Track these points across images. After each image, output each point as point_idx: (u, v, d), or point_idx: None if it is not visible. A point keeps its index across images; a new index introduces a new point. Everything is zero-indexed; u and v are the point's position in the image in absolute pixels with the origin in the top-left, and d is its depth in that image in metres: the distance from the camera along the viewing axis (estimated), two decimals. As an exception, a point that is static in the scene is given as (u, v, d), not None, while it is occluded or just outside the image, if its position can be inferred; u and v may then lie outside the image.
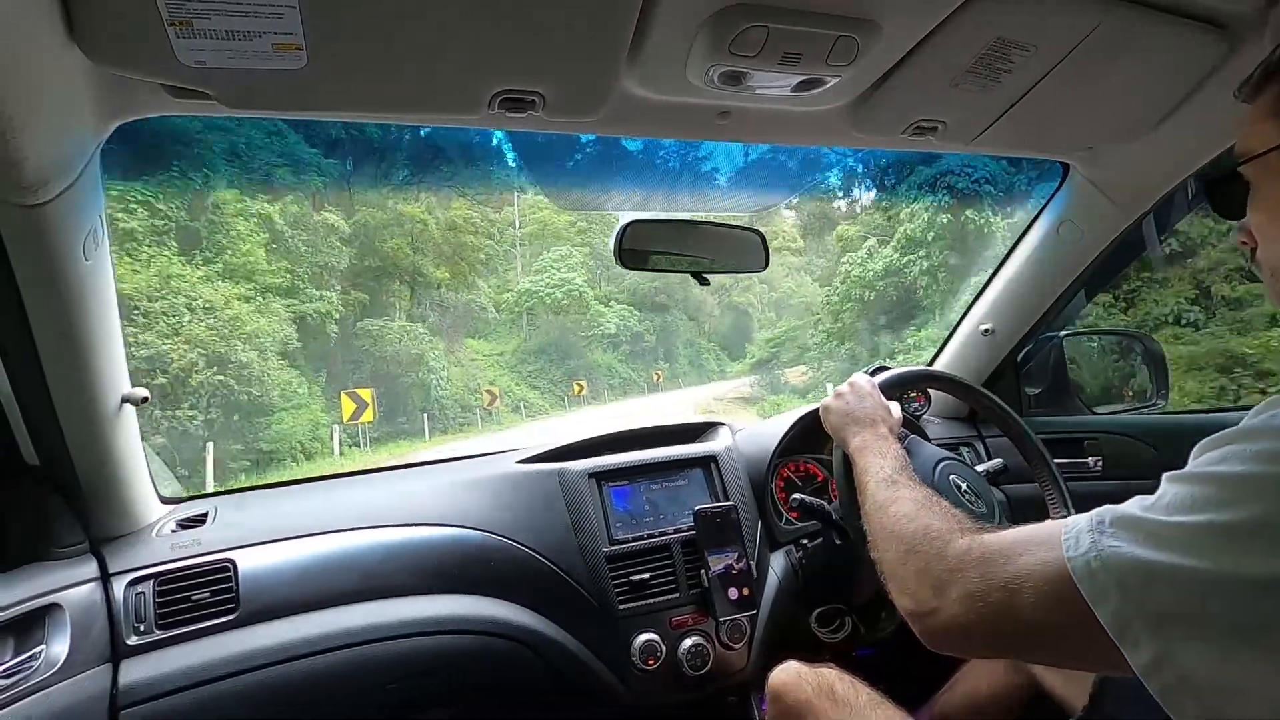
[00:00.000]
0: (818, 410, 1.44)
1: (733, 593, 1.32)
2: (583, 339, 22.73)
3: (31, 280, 0.84)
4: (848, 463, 0.96)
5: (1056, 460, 1.22)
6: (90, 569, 1.06)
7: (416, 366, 16.38)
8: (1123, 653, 0.50)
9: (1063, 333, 1.80)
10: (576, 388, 21.02)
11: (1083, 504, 1.14)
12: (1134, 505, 0.55)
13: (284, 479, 1.56)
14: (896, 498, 0.80)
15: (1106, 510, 0.56)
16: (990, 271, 1.72)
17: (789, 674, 1.05)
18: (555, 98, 0.91)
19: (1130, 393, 1.88)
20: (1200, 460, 0.54)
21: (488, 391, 18.23)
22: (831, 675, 1.01)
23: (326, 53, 0.75)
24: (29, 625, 0.95)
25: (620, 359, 23.47)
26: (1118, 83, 1.05)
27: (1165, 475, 0.55)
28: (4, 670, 0.89)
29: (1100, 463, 1.63)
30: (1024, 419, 1.25)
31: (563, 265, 23.44)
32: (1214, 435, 0.54)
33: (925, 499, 0.77)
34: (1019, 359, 1.79)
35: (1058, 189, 1.51)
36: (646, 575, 1.32)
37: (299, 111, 0.92)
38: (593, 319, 23.16)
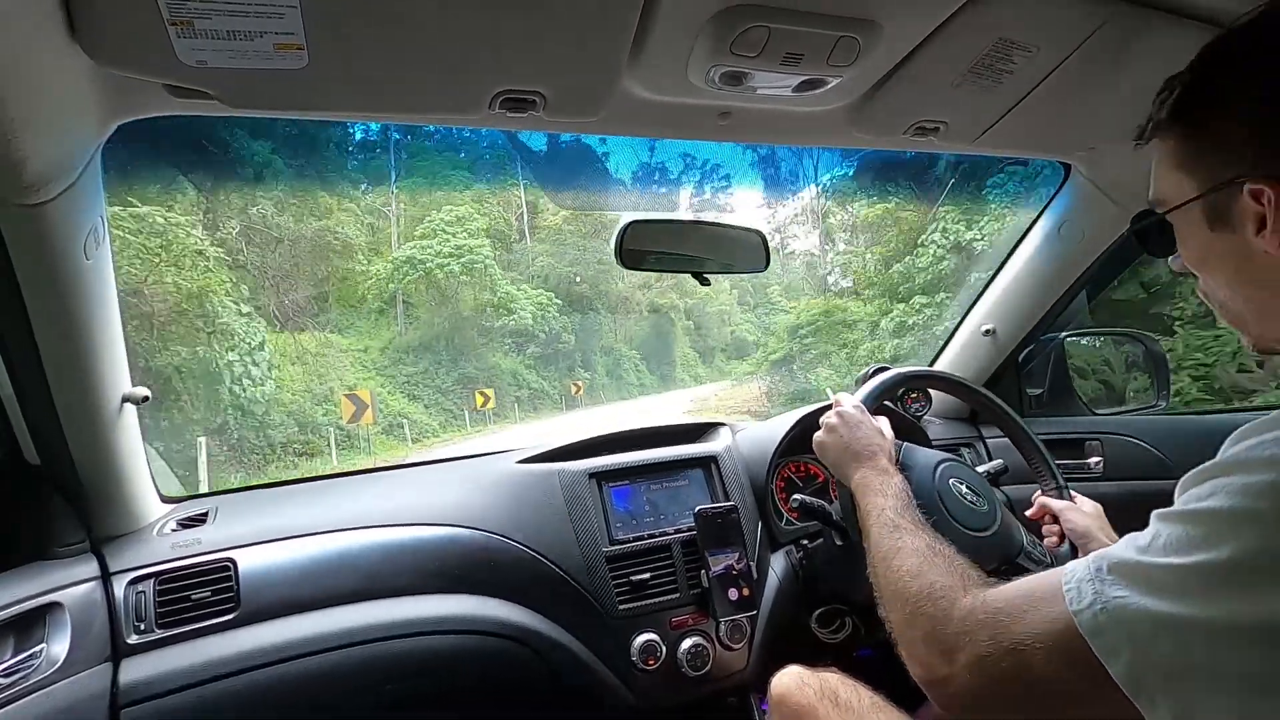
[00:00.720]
0: (817, 411, 1.44)
1: (733, 593, 1.32)
2: (482, 334, 16.65)
3: (32, 280, 0.84)
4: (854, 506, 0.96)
5: (1057, 461, 1.22)
6: (91, 568, 1.06)
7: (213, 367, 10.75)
8: (1139, 710, 0.49)
9: (1064, 333, 1.80)
10: (480, 399, 15.18)
11: (1084, 506, 1.14)
12: (1128, 549, 0.54)
13: (286, 478, 1.56)
14: (899, 548, 0.78)
15: (1104, 556, 0.55)
16: (992, 272, 1.72)
17: (791, 678, 1.05)
18: (556, 98, 0.91)
19: (1131, 393, 1.89)
20: (1187, 496, 0.53)
21: (347, 398, 12.64)
22: (834, 679, 1.01)
23: (327, 53, 0.75)
24: (30, 624, 0.95)
25: (528, 364, 17.08)
26: (1120, 83, 1.05)
27: (1154, 513, 0.54)
28: (4, 669, 0.89)
29: (1101, 463, 1.63)
30: (1025, 420, 1.25)
31: (460, 229, 17.02)
32: (1197, 470, 0.53)
33: (928, 549, 0.76)
34: (1020, 359, 1.79)
35: (1059, 189, 1.51)
36: (646, 575, 1.32)
37: (300, 111, 0.92)
38: (501, 305, 16.81)
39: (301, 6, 0.68)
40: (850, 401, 1.09)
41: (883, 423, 1.09)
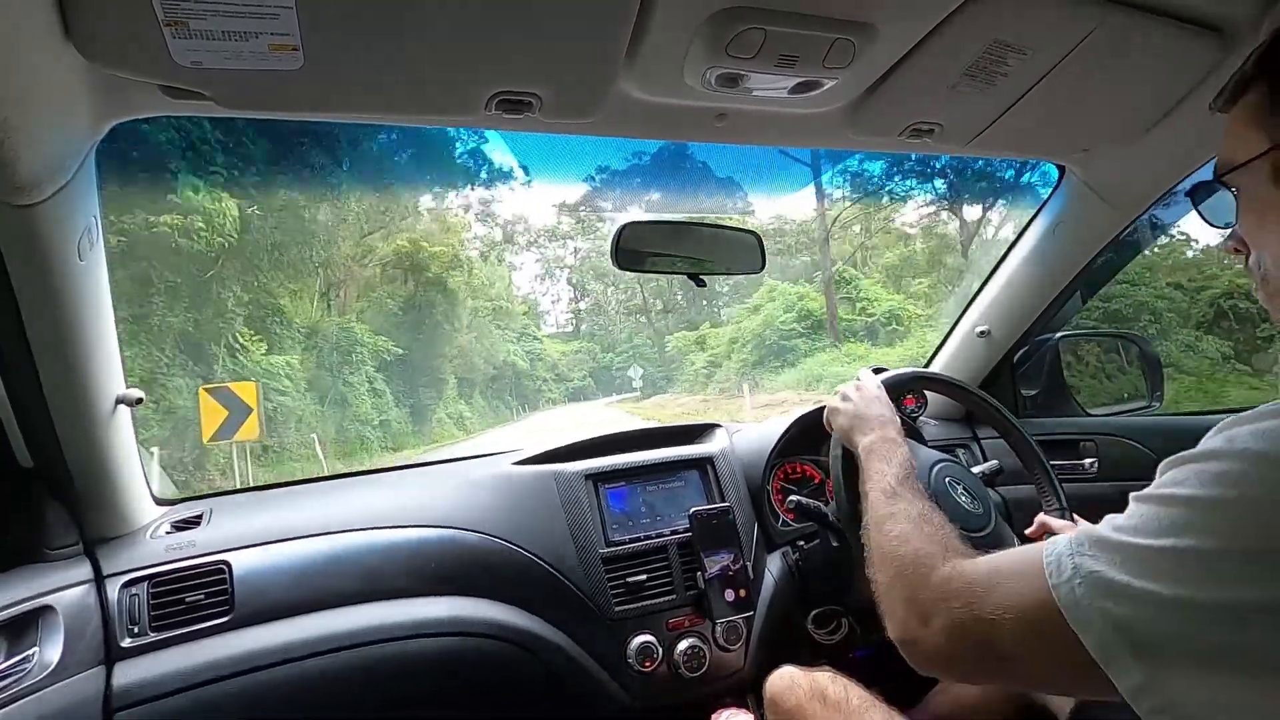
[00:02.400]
0: (815, 412, 1.44)
1: (729, 594, 1.32)
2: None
3: (26, 281, 0.83)
4: (847, 463, 0.97)
5: (1052, 462, 1.22)
6: (84, 571, 1.05)
7: None
8: (1109, 678, 0.50)
9: (1058, 334, 1.81)
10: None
11: (1078, 506, 1.15)
12: (1108, 527, 0.55)
13: (279, 480, 1.56)
14: (893, 513, 0.81)
15: (1085, 533, 0.56)
16: (987, 273, 1.72)
17: (783, 679, 1.06)
18: (552, 99, 0.91)
19: (1124, 394, 1.89)
20: (1165, 480, 0.54)
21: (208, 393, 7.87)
22: (824, 678, 1.02)
23: (323, 54, 0.75)
24: (22, 627, 0.94)
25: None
26: (1114, 86, 1.05)
27: (1132, 495, 0.56)
28: (-3, 673, 0.88)
29: (1096, 464, 1.64)
30: (1020, 420, 1.26)
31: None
32: (1177, 454, 0.55)
33: (920, 516, 0.78)
34: (1015, 360, 1.79)
35: (1054, 191, 1.51)
36: (643, 577, 1.32)
37: (295, 112, 0.92)
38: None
39: (297, 8, 0.67)
40: (871, 379, 1.12)
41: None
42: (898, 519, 0.79)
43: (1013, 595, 0.58)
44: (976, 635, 0.60)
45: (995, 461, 1.39)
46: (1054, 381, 1.82)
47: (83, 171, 0.84)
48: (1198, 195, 0.70)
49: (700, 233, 1.37)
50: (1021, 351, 1.78)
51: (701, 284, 1.37)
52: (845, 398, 1.09)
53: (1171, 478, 0.54)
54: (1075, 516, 1.13)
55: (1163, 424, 1.68)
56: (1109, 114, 1.16)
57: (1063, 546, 0.56)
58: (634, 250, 1.26)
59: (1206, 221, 0.69)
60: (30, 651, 0.93)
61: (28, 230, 0.79)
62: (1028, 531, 1.13)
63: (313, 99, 0.86)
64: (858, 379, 1.14)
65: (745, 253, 1.36)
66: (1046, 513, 1.15)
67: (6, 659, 0.91)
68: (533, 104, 0.90)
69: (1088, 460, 1.65)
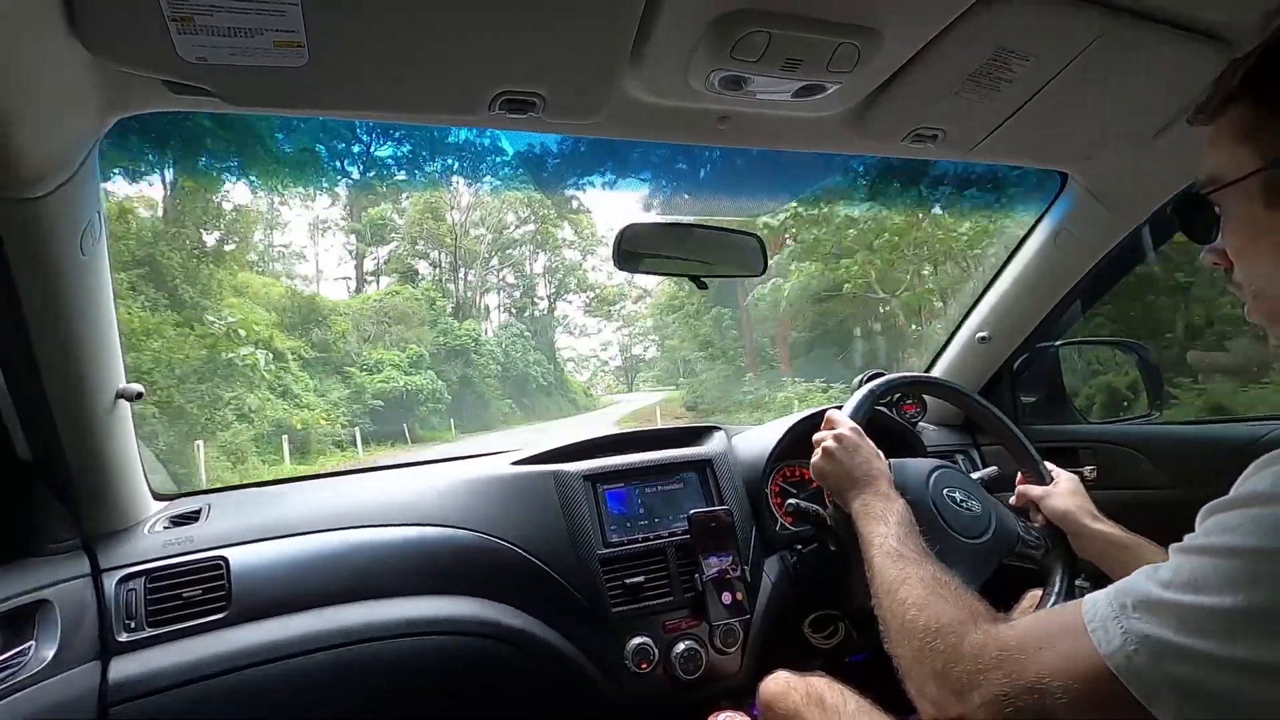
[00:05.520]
0: (814, 415, 1.44)
1: (726, 597, 1.32)
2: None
3: (28, 274, 0.83)
4: (851, 525, 0.95)
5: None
6: (81, 565, 1.05)
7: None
8: None
9: (1058, 341, 1.80)
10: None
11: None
12: (1150, 584, 0.52)
13: (277, 477, 1.56)
14: (904, 578, 0.76)
15: (1125, 592, 0.53)
16: (988, 279, 1.72)
17: (778, 683, 1.06)
18: (556, 99, 0.91)
19: (1124, 402, 1.89)
20: (1210, 527, 0.51)
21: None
22: (820, 683, 1.01)
23: (327, 51, 0.75)
24: (19, 621, 0.95)
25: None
26: (1117, 93, 1.06)
27: (1173, 547, 0.53)
28: (-7, 666, 0.88)
29: (1095, 472, 1.63)
30: (1019, 428, 1.26)
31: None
32: (1219, 500, 0.52)
33: (933, 580, 0.74)
34: (1015, 367, 1.79)
35: (1055, 198, 1.51)
36: (640, 578, 1.32)
37: (299, 109, 0.92)
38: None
39: (302, 5, 0.68)
40: (844, 421, 1.06)
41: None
42: (910, 584, 0.75)
43: (1059, 661, 0.55)
44: (1023, 706, 0.56)
45: (994, 468, 1.38)
46: (1054, 389, 1.82)
47: (87, 166, 0.84)
48: (1184, 211, 0.68)
49: (701, 235, 1.36)
50: (1022, 359, 1.78)
51: (703, 286, 1.37)
52: (828, 455, 1.02)
53: (1220, 524, 0.50)
54: (1051, 469, 1.14)
55: (1163, 431, 1.67)
56: (1113, 121, 1.16)
57: (1104, 608, 0.53)
58: (634, 252, 1.26)
59: (1190, 237, 0.68)
60: (27, 645, 0.93)
61: (32, 224, 0.79)
62: (1011, 500, 1.13)
63: (316, 96, 0.86)
64: (831, 422, 1.07)
65: (747, 255, 1.36)
66: (1024, 477, 1.16)
67: (3, 652, 0.91)
68: (536, 104, 0.91)
69: (1087, 468, 1.64)
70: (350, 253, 24.25)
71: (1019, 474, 1.17)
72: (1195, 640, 0.47)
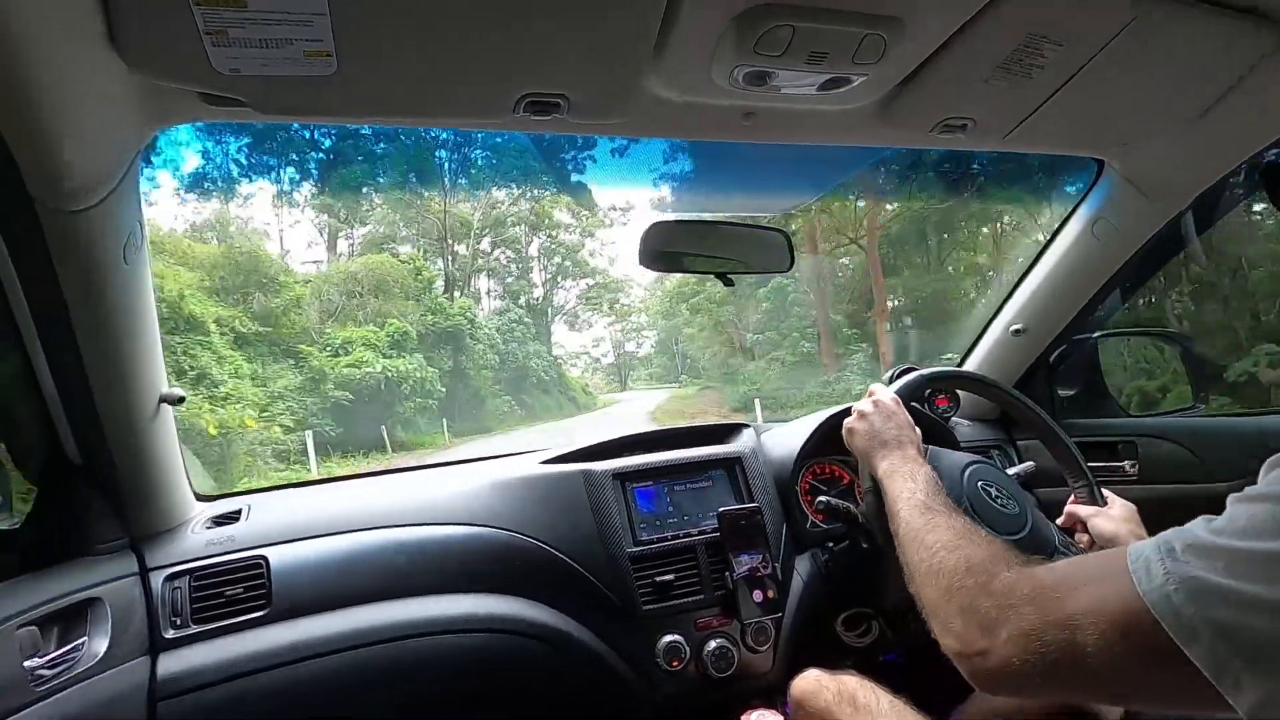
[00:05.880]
0: (843, 412, 1.43)
1: (758, 595, 1.32)
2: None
3: (74, 284, 0.86)
4: (879, 488, 0.94)
5: (1090, 464, 1.19)
6: (129, 564, 1.09)
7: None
8: (1220, 692, 0.47)
9: (1097, 333, 1.76)
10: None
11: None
12: (1202, 529, 0.51)
13: (315, 478, 1.59)
14: (933, 525, 0.76)
15: (1174, 536, 0.52)
16: (1022, 270, 1.68)
17: (809, 682, 1.05)
18: (580, 100, 0.91)
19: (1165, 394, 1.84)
20: (1274, 479, 0.50)
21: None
22: (852, 682, 1.00)
23: (355, 59, 0.76)
24: (72, 618, 0.98)
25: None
26: (1155, 77, 1.02)
27: (1232, 496, 0.52)
28: (48, 661, 0.92)
29: (1137, 466, 1.59)
30: (1058, 422, 1.23)
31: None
32: None
33: (963, 527, 0.74)
34: (1051, 360, 1.75)
35: (1091, 186, 1.47)
36: (671, 576, 1.32)
37: (329, 117, 0.94)
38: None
39: (330, 15, 0.69)
40: (886, 393, 1.08)
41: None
42: (939, 530, 0.75)
43: (1094, 600, 0.54)
44: (1052, 643, 0.55)
45: (1030, 463, 1.35)
46: (1093, 382, 1.77)
47: (128, 178, 0.87)
48: (1269, 174, 0.65)
49: (727, 232, 1.36)
50: (1059, 351, 1.74)
51: (730, 283, 1.37)
52: (861, 415, 1.04)
53: None
54: (1105, 492, 1.09)
55: (1207, 424, 1.62)
56: (1150, 106, 1.12)
57: (1149, 550, 0.53)
58: (660, 250, 1.26)
59: (1275, 204, 0.65)
60: (79, 641, 0.97)
61: (77, 235, 0.82)
62: (1058, 522, 1.10)
63: (345, 103, 0.88)
64: (872, 393, 1.09)
65: (773, 252, 1.35)
66: (1075, 496, 1.11)
67: (58, 648, 0.94)
68: (561, 105, 0.91)
69: (1128, 463, 1.59)
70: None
71: (1072, 495, 1.13)
72: (1242, 583, 0.47)
